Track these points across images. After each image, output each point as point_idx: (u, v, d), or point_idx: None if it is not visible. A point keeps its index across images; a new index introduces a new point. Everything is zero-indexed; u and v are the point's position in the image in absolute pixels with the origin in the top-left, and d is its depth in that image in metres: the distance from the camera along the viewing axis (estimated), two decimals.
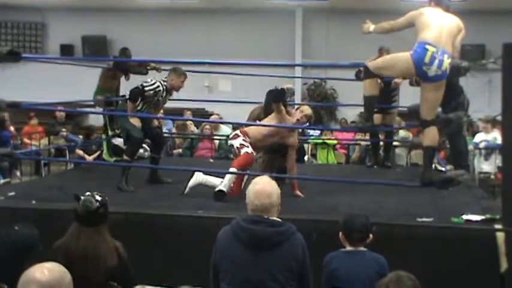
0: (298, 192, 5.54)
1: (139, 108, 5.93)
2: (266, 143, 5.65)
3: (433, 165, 5.90)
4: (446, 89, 4.87)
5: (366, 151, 9.80)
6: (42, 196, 5.33)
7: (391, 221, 4.57)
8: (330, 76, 12.34)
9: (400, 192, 5.64)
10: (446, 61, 4.66)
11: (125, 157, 5.99)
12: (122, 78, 7.54)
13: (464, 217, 4.57)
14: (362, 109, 5.43)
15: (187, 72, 6.15)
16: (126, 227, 4.32)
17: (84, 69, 8.25)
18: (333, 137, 10.91)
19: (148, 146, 6.75)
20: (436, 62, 4.62)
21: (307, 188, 5.70)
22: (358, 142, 10.21)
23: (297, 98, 13.63)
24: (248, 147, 5.41)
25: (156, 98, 5.92)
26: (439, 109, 5.18)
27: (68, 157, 10.16)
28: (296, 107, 6.12)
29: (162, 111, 6.54)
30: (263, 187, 2.99)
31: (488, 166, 9.24)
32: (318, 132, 11.22)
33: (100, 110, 7.93)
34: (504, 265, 4.19)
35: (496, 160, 8.85)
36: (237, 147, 5.44)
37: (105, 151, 7.64)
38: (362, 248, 3.37)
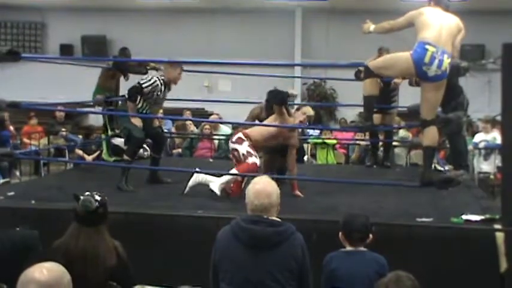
0: (298, 192, 5.53)
1: (139, 106, 5.92)
2: (267, 144, 5.64)
3: (433, 166, 5.90)
4: (446, 89, 4.87)
5: (365, 151, 9.80)
6: (41, 196, 5.33)
7: (391, 221, 4.57)
8: (330, 76, 12.34)
9: (399, 192, 5.63)
10: (446, 61, 4.66)
11: (126, 157, 5.99)
12: (122, 79, 7.53)
13: (464, 217, 4.57)
14: (361, 109, 5.43)
15: (187, 72, 6.15)
16: (126, 227, 4.31)
17: (83, 69, 8.24)
18: (332, 137, 10.91)
19: (148, 146, 6.74)
20: (436, 61, 4.62)
21: (307, 188, 5.70)
22: (357, 142, 10.21)
23: (297, 98, 13.65)
24: (256, 157, 5.36)
25: (155, 93, 5.91)
26: (439, 109, 5.19)
27: (67, 157, 10.17)
28: (296, 107, 6.11)
29: (161, 111, 6.53)
30: (263, 187, 2.99)
31: (487, 166, 9.25)
32: (317, 132, 11.22)
33: (99, 109, 7.92)
34: (504, 265, 4.18)
35: (496, 160, 8.85)
36: (243, 154, 5.35)
37: (104, 151, 7.63)
38: (362, 248, 3.37)
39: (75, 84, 10.94)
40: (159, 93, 5.94)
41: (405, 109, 6.26)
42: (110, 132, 7.47)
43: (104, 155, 7.63)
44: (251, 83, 11.31)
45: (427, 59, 4.61)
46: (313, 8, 14.01)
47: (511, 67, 4.47)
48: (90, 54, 14.22)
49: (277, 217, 3.00)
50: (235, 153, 5.44)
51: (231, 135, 9.15)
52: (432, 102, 4.85)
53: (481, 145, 9.30)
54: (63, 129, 11.08)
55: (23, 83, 13.35)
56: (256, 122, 6.07)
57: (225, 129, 10.30)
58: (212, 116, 11.87)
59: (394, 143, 8.84)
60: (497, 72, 4.84)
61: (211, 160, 8.74)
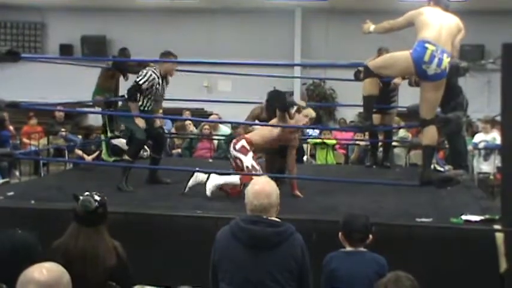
0: (298, 193, 5.53)
1: (141, 104, 5.92)
2: (268, 147, 5.65)
3: (432, 166, 5.90)
4: (445, 89, 4.87)
5: (364, 151, 9.80)
6: (41, 196, 5.33)
7: (391, 221, 4.57)
8: (329, 76, 12.35)
9: (399, 193, 5.63)
10: (446, 60, 4.66)
11: (127, 157, 5.99)
12: (121, 79, 7.53)
13: (464, 217, 4.57)
14: (361, 109, 5.43)
15: (187, 72, 6.15)
16: (126, 227, 4.31)
17: (83, 69, 8.23)
18: (331, 137, 10.90)
19: (148, 147, 6.74)
20: (436, 60, 4.62)
21: (307, 188, 5.69)
22: (357, 142, 10.20)
23: (297, 98, 13.65)
24: (260, 171, 5.32)
25: (153, 88, 5.91)
26: (438, 109, 5.19)
27: (67, 157, 10.16)
28: (296, 107, 6.10)
29: (161, 111, 6.53)
30: (262, 187, 2.99)
31: (487, 166, 9.25)
32: (317, 132, 11.22)
33: (99, 110, 7.93)
34: (503, 265, 4.18)
35: (495, 160, 8.85)
36: (247, 167, 5.28)
37: (104, 151, 7.63)
38: (362, 249, 3.37)
39: (74, 84, 10.94)
40: (157, 86, 5.94)
41: (405, 109, 6.27)
42: (109, 134, 7.47)
43: (104, 155, 7.63)
44: (251, 83, 11.30)
45: (426, 58, 4.61)
46: (312, 8, 14.01)
47: (510, 67, 4.48)
48: (90, 54, 14.22)
49: (276, 217, 2.99)
50: (238, 161, 5.39)
51: (231, 136, 9.19)
52: (431, 101, 4.85)
53: (481, 145, 9.30)
54: (63, 129, 11.08)
55: (23, 83, 13.35)
56: (256, 122, 6.07)
57: (225, 129, 10.30)
58: (212, 116, 11.87)
59: (394, 143, 8.84)
60: (497, 73, 4.84)
61: (210, 160, 8.74)
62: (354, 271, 3.26)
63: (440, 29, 4.73)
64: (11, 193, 5.51)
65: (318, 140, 10.58)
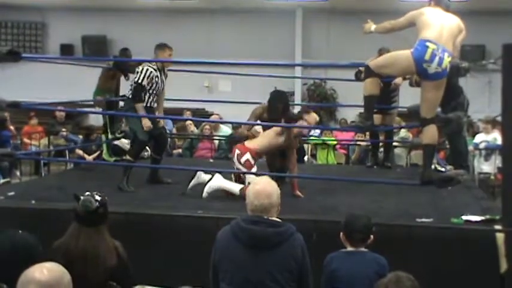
0: (298, 193, 5.52)
1: (145, 100, 5.91)
2: (270, 151, 5.66)
3: (433, 166, 5.90)
4: (446, 89, 4.87)
5: (365, 151, 9.80)
6: (41, 196, 5.33)
7: (391, 221, 4.57)
8: (330, 76, 12.34)
9: (400, 193, 5.63)
10: (447, 59, 4.66)
11: (128, 157, 5.99)
12: (122, 79, 7.53)
13: (464, 218, 4.56)
14: (362, 109, 5.42)
15: (187, 73, 6.14)
16: (126, 227, 4.32)
17: (84, 69, 8.24)
18: (332, 137, 10.90)
19: (148, 147, 6.74)
20: (437, 59, 4.62)
21: (307, 188, 5.69)
22: (357, 142, 10.20)
23: (297, 98, 13.67)
24: None
25: (154, 82, 5.90)
26: (439, 109, 5.19)
27: (67, 157, 10.17)
28: (299, 108, 6.09)
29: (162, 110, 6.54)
30: (263, 187, 2.99)
31: (488, 167, 9.25)
32: (317, 132, 11.22)
33: (100, 110, 7.93)
34: (504, 266, 4.18)
35: (496, 161, 8.85)
36: (249, 183, 5.07)
37: (104, 151, 7.64)
38: (363, 249, 3.37)
39: (75, 84, 10.94)
40: (157, 79, 5.93)
41: (405, 109, 6.27)
42: (110, 136, 7.47)
43: (104, 155, 7.63)
44: (251, 83, 11.30)
45: (427, 56, 4.61)
46: (313, 8, 14.01)
47: (511, 68, 4.47)
48: (91, 54, 14.22)
49: (277, 217, 2.99)
50: (241, 174, 5.40)
51: (231, 136, 9.19)
52: (432, 101, 4.85)
53: (482, 146, 9.30)
54: (64, 129, 11.08)
55: (24, 83, 13.36)
56: (258, 121, 6.05)
57: (226, 130, 10.30)
58: (212, 116, 11.87)
59: (395, 144, 8.83)
60: (498, 73, 4.84)
61: (211, 160, 8.74)
62: (355, 271, 3.26)
63: (441, 29, 4.74)
64: (12, 193, 5.51)
65: (319, 140, 10.59)
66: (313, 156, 10.65)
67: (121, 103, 7.37)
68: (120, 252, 3.32)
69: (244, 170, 5.35)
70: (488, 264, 4.19)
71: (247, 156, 5.37)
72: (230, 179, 5.58)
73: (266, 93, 6.16)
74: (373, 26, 5.18)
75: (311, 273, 3.01)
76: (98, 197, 3.35)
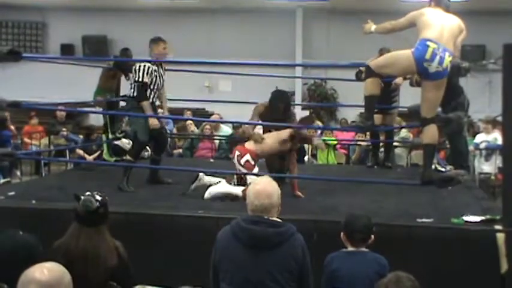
0: (299, 193, 5.51)
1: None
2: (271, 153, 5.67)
3: (433, 166, 5.90)
4: (446, 89, 4.87)
5: (366, 151, 9.80)
6: (42, 196, 5.33)
7: (391, 221, 4.57)
8: (330, 76, 12.35)
9: (400, 193, 5.63)
10: (448, 59, 4.66)
11: (128, 157, 5.99)
12: (123, 78, 7.53)
13: (465, 218, 4.56)
14: (362, 109, 5.42)
15: (187, 73, 6.14)
16: (126, 227, 4.31)
17: (84, 69, 8.24)
18: (333, 137, 10.90)
19: (149, 147, 6.74)
20: (437, 58, 4.62)
21: (308, 188, 5.69)
22: (358, 142, 10.20)
23: (297, 98, 13.67)
24: None
25: (154, 77, 5.88)
26: (439, 109, 5.19)
27: (68, 157, 10.17)
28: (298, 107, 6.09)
29: (162, 110, 6.54)
30: (263, 187, 2.98)
31: (488, 167, 9.25)
32: (318, 132, 11.22)
33: (100, 109, 7.93)
34: (504, 266, 4.18)
35: (497, 161, 8.85)
36: (250, 183, 5.23)
37: (105, 151, 7.64)
38: (363, 249, 3.37)
39: (76, 84, 10.96)
40: (156, 73, 5.92)
41: (406, 109, 6.26)
42: (110, 136, 7.47)
43: (105, 155, 7.64)
44: (252, 83, 11.30)
45: (428, 55, 4.62)
46: (313, 8, 14.01)
47: (511, 67, 4.47)
48: (91, 54, 14.24)
49: (278, 217, 2.99)
50: (242, 175, 5.40)
51: (232, 136, 9.20)
52: (432, 101, 4.86)
53: (482, 146, 9.30)
54: (64, 129, 11.09)
55: (24, 82, 13.36)
56: (259, 121, 6.04)
57: (226, 130, 10.31)
58: (213, 116, 11.87)
59: (395, 144, 8.83)
60: (498, 73, 4.84)
61: (212, 160, 8.74)
62: (355, 271, 3.26)
63: (442, 29, 4.74)
64: (12, 193, 5.51)
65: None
66: (314, 156, 10.65)
67: (122, 103, 7.38)
68: (121, 252, 3.33)
69: (245, 171, 5.35)
70: (489, 264, 4.19)
71: (247, 157, 5.37)
72: (232, 179, 5.59)
73: (266, 93, 6.15)
74: (373, 26, 5.18)
75: (311, 274, 3.01)
76: (98, 197, 3.36)
